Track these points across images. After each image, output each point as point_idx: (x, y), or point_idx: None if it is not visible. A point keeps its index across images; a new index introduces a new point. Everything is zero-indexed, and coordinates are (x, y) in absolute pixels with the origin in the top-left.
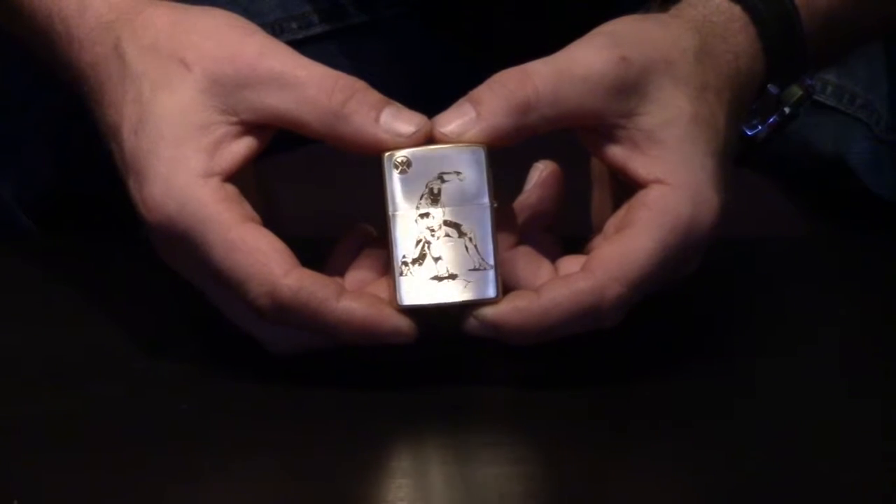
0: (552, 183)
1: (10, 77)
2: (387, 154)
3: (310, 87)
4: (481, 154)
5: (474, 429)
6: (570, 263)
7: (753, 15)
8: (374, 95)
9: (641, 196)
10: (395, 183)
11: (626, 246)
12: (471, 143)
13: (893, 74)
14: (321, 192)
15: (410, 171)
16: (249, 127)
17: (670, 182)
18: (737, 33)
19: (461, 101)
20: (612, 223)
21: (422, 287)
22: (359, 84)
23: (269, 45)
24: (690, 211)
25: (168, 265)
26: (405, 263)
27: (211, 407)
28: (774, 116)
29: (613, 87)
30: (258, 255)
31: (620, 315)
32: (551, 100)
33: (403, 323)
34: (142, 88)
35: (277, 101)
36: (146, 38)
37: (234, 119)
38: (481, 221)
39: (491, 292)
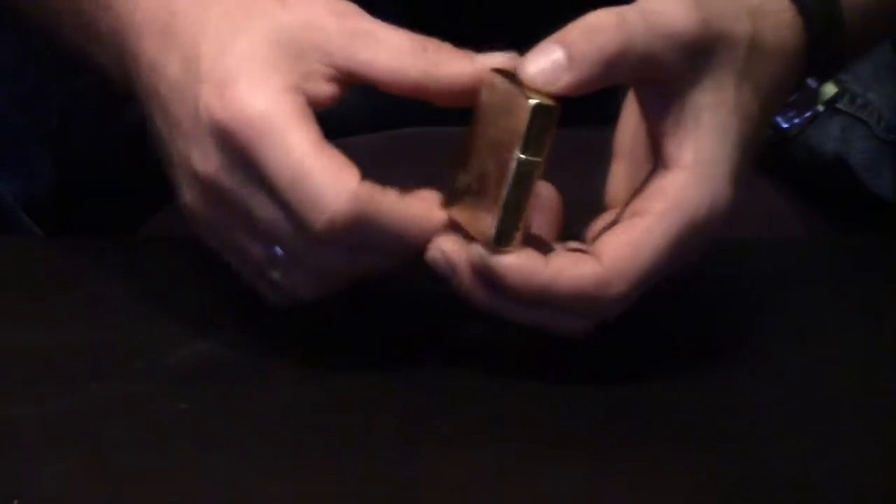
0: (550, 206)
1: (11, 76)
2: (533, 102)
3: (404, 42)
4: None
5: (475, 428)
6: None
7: (801, 7)
8: (460, 50)
9: (662, 180)
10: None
11: (639, 241)
12: (546, 97)
13: (894, 75)
14: None
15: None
16: (337, 75)
17: (694, 172)
18: (786, 27)
19: (549, 41)
20: (629, 206)
21: None
22: (446, 44)
23: (356, 8)
24: (708, 207)
25: (190, 204)
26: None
27: (211, 407)
28: (810, 111)
29: (690, 48)
30: (344, 158)
31: (619, 311)
32: (642, 52)
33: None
34: (235, 17)
35: (373, 54)
36: None
37: (327, 60)
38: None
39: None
